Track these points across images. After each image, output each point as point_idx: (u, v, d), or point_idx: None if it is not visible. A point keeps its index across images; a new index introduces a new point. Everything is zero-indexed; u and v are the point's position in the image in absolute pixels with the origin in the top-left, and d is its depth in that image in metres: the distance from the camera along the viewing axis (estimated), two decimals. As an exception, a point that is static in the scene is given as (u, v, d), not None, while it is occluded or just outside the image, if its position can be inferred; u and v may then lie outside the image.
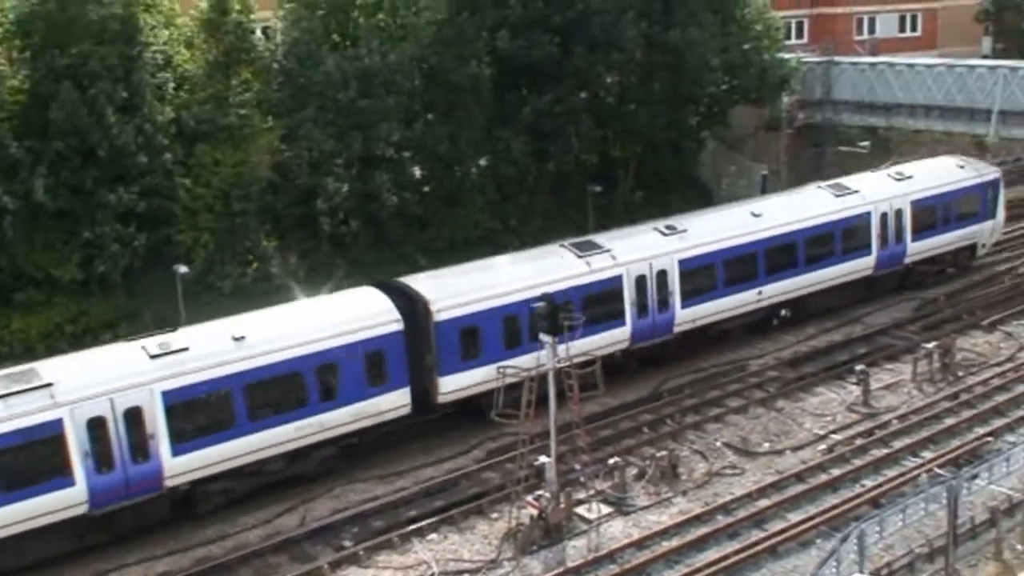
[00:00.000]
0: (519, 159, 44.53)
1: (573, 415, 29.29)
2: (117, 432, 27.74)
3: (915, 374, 37.30)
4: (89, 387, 27.53)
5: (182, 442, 28.66)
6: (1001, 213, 48.15)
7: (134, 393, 27.90)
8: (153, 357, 28.65)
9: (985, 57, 72.03)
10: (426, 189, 44.06)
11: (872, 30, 70.83)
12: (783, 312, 41.65)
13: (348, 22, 42.78)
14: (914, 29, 73.61)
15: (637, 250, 37.07)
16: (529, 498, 28.27)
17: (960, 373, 37.61)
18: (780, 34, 54.06)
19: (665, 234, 38.09)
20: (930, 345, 37.99)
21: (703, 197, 53.41)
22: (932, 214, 44.89)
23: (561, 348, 27.92)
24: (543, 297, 28.32)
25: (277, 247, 41.48)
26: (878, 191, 43.74)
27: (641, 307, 36.74)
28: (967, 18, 75.85)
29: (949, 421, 33.93)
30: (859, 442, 32.78)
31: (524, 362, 29.69)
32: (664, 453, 31.44)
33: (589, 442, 30.68)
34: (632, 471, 31.14)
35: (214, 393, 29.15)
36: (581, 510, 29.12)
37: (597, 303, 35.23)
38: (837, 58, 56.63)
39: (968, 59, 57.47)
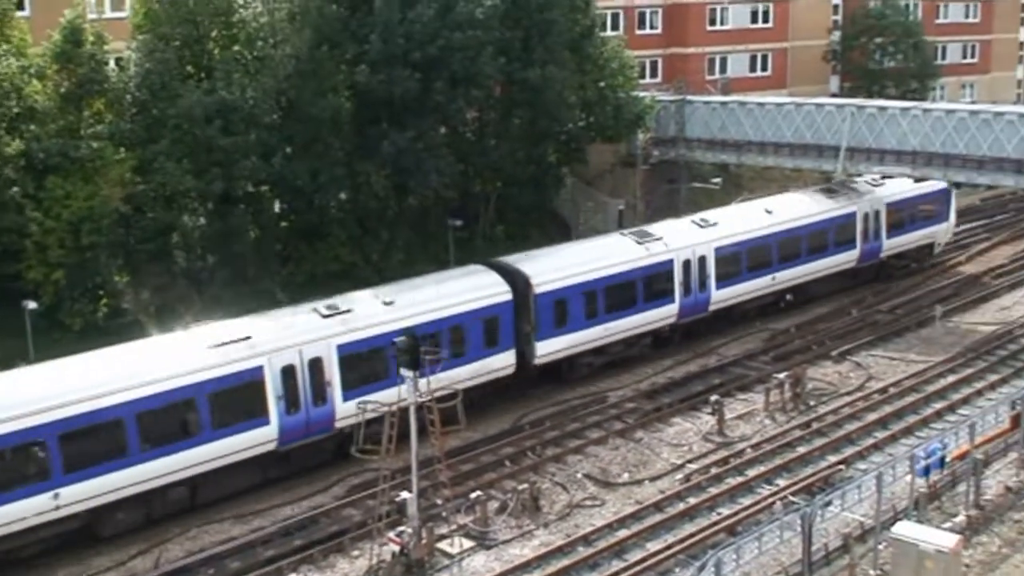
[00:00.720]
0: (380, 193, 44.40)
1: (435, 450, 29.22)
2: (303, 379, 32.51)
3: (768, 404, 38.23)
4: (282, 340, 32.34)
5: (350, 389, 33.20)
6: (953, 216, 54.93)
7: (316, 345, 32.77)
8: (325, 316, 33.59)
9: (833, 95, 74.61)
10: (285, 224, 43.56)
11: (724, 69, 72.56)
12: (788, 296, 48.21)
13: (203, 54, 42.20)
14: (764, 69, 75.69)
15: (683, 238, 43.35)
16: (391, 534, 28.03)
17: (811, 402, 38.69)
18: (635, 73, 55.19)
19: (701, 226, 44.36)
20: (781, 375, 39.04)
21: (562, 231, 54.04)
22: (902, 215, 52.07)
23: (422, 382, 27.81)
24: (407, 331, 28.52)
25: (129, 283, 40.46)
26: (860, 194, 50.63)
27: (687, 287, 42.90)
28: (816, 57, 78.42)
29: (802, 449, 34.80)
30: (715, 471, 33.38)
31: (597, 333, 39.83)
32: (525, 486, 31.55)
33: (451, 476, 30.60)
34: (494, 504, 31.16)
35: (373, 348, 33.78)
36: (443, 545, 29.02)
37: (654, 283, 41.92)
38: (690, 97, 57.93)
39: (817, 97, 59.48)
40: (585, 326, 39.49)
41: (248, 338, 31.80)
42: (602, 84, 51.53)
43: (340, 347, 33.13)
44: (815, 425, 36.64)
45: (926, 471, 29.67)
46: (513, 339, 37.55)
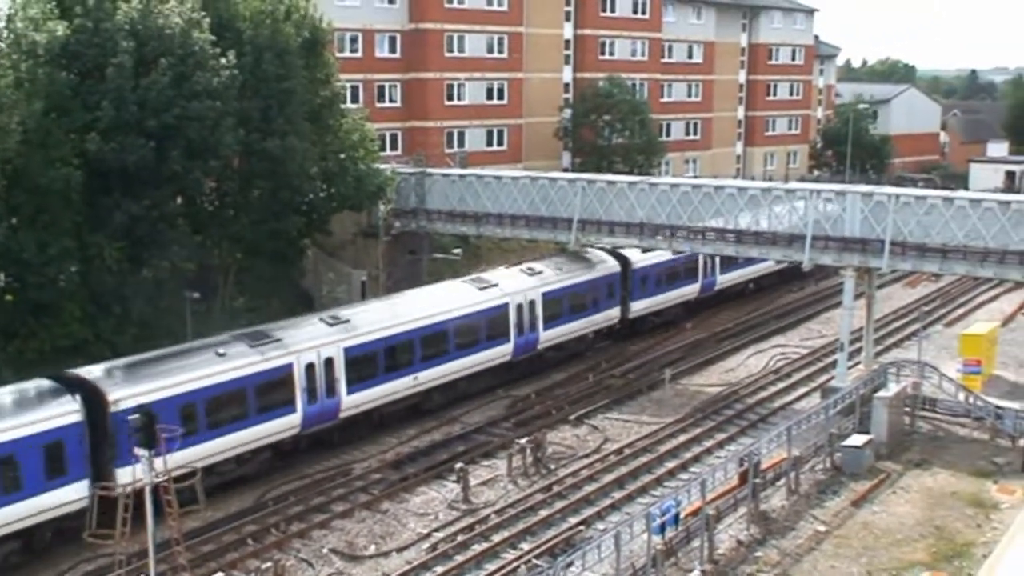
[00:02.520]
0: (113, 266, 42.86)
1: (172, 532, 28.26)
2: (525, 314, 48.69)
3: (510, 469, 38.96)
4: (517, 288, 48.92)
5: (545, 323, 49.85)
6: None
7: (531, 292, 49.33)
8: (530, 275, 50.32)
9: (565, 170, 77.42)
10: (10, 298, 41.42)
11: (462, 143, 74.33)
12: (751, 286, 67.71)
13: (-79, 121, 39.86)
14: (500, 143, 77.92)
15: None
16: (127, 621, 26.91)
17: (552, 466, 39.66)
18: (376, 145, 55.55)
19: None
20: (523, 440, 39.88)
21: (304, 303, 53.60)
22: None
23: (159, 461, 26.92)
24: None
25: None
26: None
27: (704, 273, 61.48)
28: (549, 133, 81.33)
29: (544, 512, 35.60)
30: (461, 538, 33.70)
31: (660, 299, 58.55)
32: (269, 564, 30.93)
33: (190, 559, 29.67)
34: (237, 584, 30.39)
35: (557, 296, 50.61)
36: (184, 629, 28.06)
37: (688, 268, 59.76)
38: (430, 169, 58.95)
39: (550, 172, 61.59)
40: (654, 294, 57.66)
41: (497, 284, 48.12)
42: (343, 156, 51.66)
43: (544, 294, 49.83)
44: (556, 488, 37.57)
45: (661, 528, 30.92)
46: (619, 300, 54.99)
